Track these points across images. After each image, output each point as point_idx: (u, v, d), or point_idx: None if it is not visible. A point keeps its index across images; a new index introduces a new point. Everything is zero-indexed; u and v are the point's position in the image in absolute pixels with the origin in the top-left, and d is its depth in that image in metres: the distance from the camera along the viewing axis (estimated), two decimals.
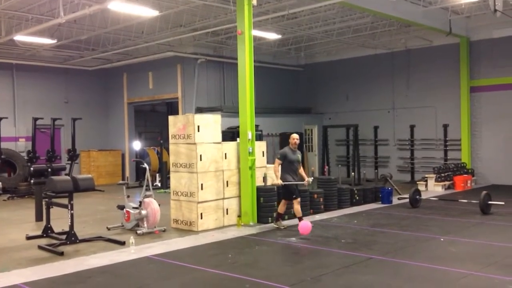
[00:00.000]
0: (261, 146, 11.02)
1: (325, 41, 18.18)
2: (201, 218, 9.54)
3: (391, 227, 9.52)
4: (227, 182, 10.08)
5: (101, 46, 17.21)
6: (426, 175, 15.82)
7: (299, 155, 9.52)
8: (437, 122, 17.74)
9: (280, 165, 9.31)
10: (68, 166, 16.59)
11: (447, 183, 15.49)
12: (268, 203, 10.16)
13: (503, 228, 9.30)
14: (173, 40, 16.52)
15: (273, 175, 9.68)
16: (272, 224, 9.79)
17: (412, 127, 18.33)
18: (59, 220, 9.29)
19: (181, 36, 15.86)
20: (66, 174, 15.33)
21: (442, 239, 8.36)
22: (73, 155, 17.51)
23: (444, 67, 17.56)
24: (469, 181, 15.87)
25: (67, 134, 18.96)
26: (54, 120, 17.23)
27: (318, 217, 10.50)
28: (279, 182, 9.25)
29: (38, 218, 10.79)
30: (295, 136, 9.52)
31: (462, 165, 16.58)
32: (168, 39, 16.13)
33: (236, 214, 10.15)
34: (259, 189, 10.21)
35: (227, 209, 10.04)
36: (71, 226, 8.44)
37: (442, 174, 15.55)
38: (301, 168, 9.60)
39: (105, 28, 14.61)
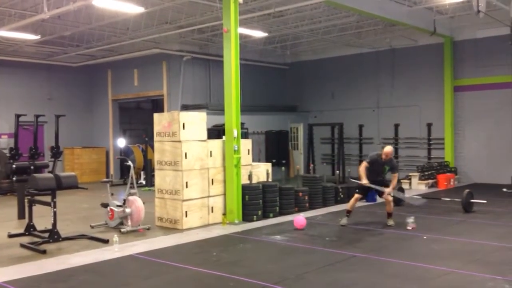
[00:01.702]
0: (246, 144, 11.02)
1: (311, 40, 18.23)
2: (186, 216, 9.51)
3: (375, 225, 9.60)
4: (212, 180, 10.06)
5: (85, 42, 17.04)
6: (410, 174, 15.98)
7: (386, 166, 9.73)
8: (421, 121, 17.91)
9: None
10: (51, 164, 16.39)
11: (430, 181, 15.66)
12: (253, 201, 10.17)
13: (485, 226, 9.43)
14: (158, 37, 16.42)
15: None
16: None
17: (396, 126, 18.49)
18: (42, 218, 9.19)
19: (167, 33, 15.76)
20: (49, 172, 15.14)
21: (425, 237, 8.45)
22: (56, 152, 17.31)
23: (428, 66, 17.73)
24: (452, 180, 16.05)
25: (50, 131, 18.73)
26: (37, 116, 17.00)
27: (303, 215, 10.52)
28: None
29: (21, 216, 10.67)
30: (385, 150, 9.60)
31: (445, 163, 16.77)
32: (154, 36, 16.03)
33: (221, 212, 10.14)
34: (244, 187, 10.21)
35: (212, 207, 10.03)
36: (54, 224, 8.36)
37: (426, 173, 15.71)
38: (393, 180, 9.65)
39: (90, 24, 14.46)
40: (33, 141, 16.82)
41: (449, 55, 16.99)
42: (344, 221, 9.63)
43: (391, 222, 9.55)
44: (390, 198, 9.56)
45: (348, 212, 9.74)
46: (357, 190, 9.83)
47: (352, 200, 9.78)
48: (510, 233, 8.76)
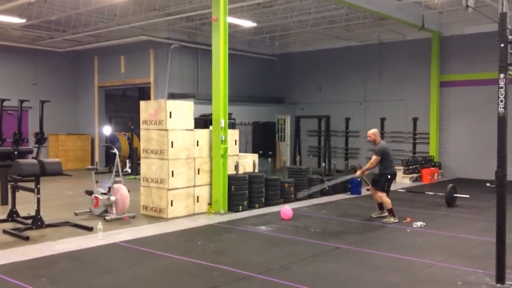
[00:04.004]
0: (233, 135, 11.00)
1: (300, 31, 18.20)
2: (171, 205, 9.49)
3: (359, 218, 9.67)
4: (198, 169, 10.04)
5: (72, 28, 16.79)
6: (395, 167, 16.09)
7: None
8: (407, 116, 18.04)
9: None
10: (35, 150, 16.20)
11: (414, 175, 15.81)
12: (239, 191, 10.17)
13: (467, 220, 9.56)
14: (146, 24, 16.25)
15: None
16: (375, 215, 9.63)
17: (382, 120, 18.59)
18: (25, 205, 9.10)
19: (155, 20, 15.61)
20: (33, 158, 14.97)
21: (408, 230, 8.54)
22: (40, 139, 17.06)
23: (415, 61, 17.83)
24: (436, 174, 16.23)
25: (35, 117, 18.48)
26: (21, 102, 16.72)
27: (288, 206, 10.56)
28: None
29: (4, 202, 10.56)
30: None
31: (430, 158, 16.94)
32: (142, 22, 15.86)
33: (207, 202, 10.13)
34: (230, 178, 10.20)
35: (197, 197, 10.02)
36: (37, 211, 8.28)
37: (410, 167, 15.86)
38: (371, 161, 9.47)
39: (77, 9, 14.24)
40: (17, 126, 16.57)
41: (437, 51, 17.10)
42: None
43: (379, 214, 9.59)
44: (380, 194, 9.32)
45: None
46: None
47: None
48: (491, 228, 8.79)
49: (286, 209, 9.57)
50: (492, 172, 5.70)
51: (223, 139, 10.05)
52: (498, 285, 5.46)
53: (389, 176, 9.33)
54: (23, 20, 15.05)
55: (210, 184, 10.22)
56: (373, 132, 9.57)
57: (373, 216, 9.65)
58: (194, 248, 7.26)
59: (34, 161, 8.68)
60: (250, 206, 10.39)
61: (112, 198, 9.23)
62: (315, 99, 20.38)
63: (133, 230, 8.41)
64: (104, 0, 13.44)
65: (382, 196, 9.29)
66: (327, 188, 12.14)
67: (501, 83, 5.40)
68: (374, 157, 9.26)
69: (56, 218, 9.11)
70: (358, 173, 9.74)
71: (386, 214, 9.36)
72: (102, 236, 7.84)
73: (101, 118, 20.08)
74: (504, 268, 5.49)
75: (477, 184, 14.04)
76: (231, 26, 15.13)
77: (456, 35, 16.92)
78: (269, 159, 13.82)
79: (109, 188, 9.33)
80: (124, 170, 16.82)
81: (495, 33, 5.50)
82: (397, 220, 9.17)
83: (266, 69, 21.41)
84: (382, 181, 9.32)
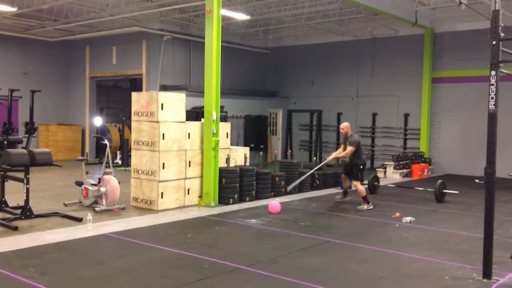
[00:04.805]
0: (225, 128, 10.99)
1: (294, 25, 18.17)
2: (162, 197, 9.47)
3: (349, 212, 9.72)
4: (189, 162, 10.02)
5: (63, 17, 16.64)
6: (385, 163, 16.19)
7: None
8: (399, 111, 18.11)
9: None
10: (25, 140, 16.10)
11: (405, 171, 15.90)
12: (230, 184, 10.17)
13: (456, 216, 9.64)
14: (139, 15, 16.14)
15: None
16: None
17: (374, 115, 18.66)
18: (14, 194, 9.02)
19: (148, 11, 15.51)
20: (23, 148, 14.88)
21: (397, 225, 8.60)
22: (30, 128, 16.98)
23: (408, 57, 17.88)
24: (426, 170, 16.32)
25: (25, 107, 18.35)
26: (12, 91, 16.61)
27: (279, 199, 10.59)
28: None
29: None
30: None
31: (420, 154, 17.04)
32: (134, 13, 15.75)
33: (198, 195, 10.12)
34: (221, 170, 10.19)
35: (188, 189, 10.01)
36: (27, 201, 8.23)
37: (401, 162, 15.94)
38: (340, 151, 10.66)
39: None
40: (7, 116, 16.46)
41: (429, 47, 17.15)
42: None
43: (342, 199, 10.59)
44: (355, 183, 10.18)
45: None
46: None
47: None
48: (479, 223, 8.89)
49: (274, 203, 9.59)
50: (481, 168, 5.74)
51: (214, 132, 10.02)
52: (485, 280, 5.53)
53: (361, 167, 10.23)
54: (14, 9, 14.90)
55: (201, 177, 10.20)
56: (346, 125, 10.36)
57: (337, 200, 10.63)
58: (184, 240, 7.26)
59: (24, 151, 8.62)
60: (241, 199, 10.40)
61: (102, 189, 9.19)
62: (307, 93, 20.39)
63: (122, 221, 8.39)
64: None
65: (357, 185, 10.08)
66: (318, 181, 12.22)
67: (492, 80, 5.43)
68: (350, 148, 10.09)
69: (45, 208, 9.06)
70: (331, 157, 10.66)
71: (348, 199, 10.58)
72: (92, 227, 7.82)
73: (92, 109, 19.97)
74: (491, 264, 5.55)
75: (467, 180, 14.15)
76: (224, 18, 15.07)
77: (448, 32, 16.98)
78: (261, 153, 13.83)
79: (99, 179, 9.29)
80: (115, 162, 16.76)
81: (487, 30, 5.53)
82: (371, 207, 9.94)
83: (259, 62, 21.37)
84: (355, 170, 10.21)
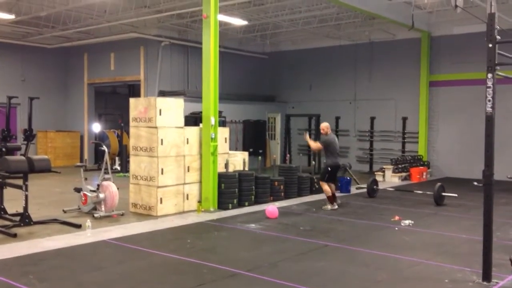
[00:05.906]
0: (224, 133, 11.00)
1: (291, 30, 18.22)
2: (161, 203, 9.47)
3: (348, 216, 9.72)
4: (188, 167, 10.02)
5: (61, 24, 16.66)
6: (384, 166, 16.20)
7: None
8: (397, 115, 18.14)
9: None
10: (23, 146, 16.10)
11: (403, 174, 15.91)
12: (229, 189, 10.17)
13: (455, 219, 9.64)
14: (136, 21, 16.18)
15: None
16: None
17: (372, 119, 18.68)
18: (13, 202, 9.02)
19: (145, 18, 15.54)
20: (21, 155, 14.87)
21: (396, 228, 8.60)
22: (29, 135, 16.99)
23: (405, 61, 17.93)
24: (424, 173, 16.34)
25: (23, 113, 18.36)
26: (10, 98, 16.63)
27: (278, 204, 10.60)
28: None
29: None
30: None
31: (419, 157, 17.05)
32: (132, 19, 15.79)
33: (197, 200, 10.12)
34: (220, 175, 10.19)
35: (187, 195, 10.00)
36: (25, 208, 8.22)
37: (399, 166, 15.95)
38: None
39: (66, 5, 14.16)
40: (6, 123, 16.47)
41: (426, 50, 17.21)
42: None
43: (324, 206, 10.49)
44: (320, 182, 10.60)
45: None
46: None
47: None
48: (478, 226, 8.88)
49: (272, 208, 9.52)
50: (479, 171, 5.76)
51: (213, 137, 10.03)
52: (485, 283, 5.53)
53: (329, 168, 10.47)
54: (12, 16, 14.91)
55: (200, 182, 10.20)
56: (326, 125, 10.79)
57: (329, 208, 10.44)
58: (183, 246, 7.25)
59: (22, 157, 8.61)
60: (240, 204, 10.40)
61: (101, 195, 9.18)
62: (305, 97, 20.42)
63: (121, 227, 8.39)
64: None
65: (322, 185, 10.47)
66: (316, 185, 12.22)
67: (489, 83, 5.46)
68: (317, 144, 10.84)
69: (44, 215, 9.05)
70: (308, 139, 11.26)
71: (333, 205, 10.41)
72: (91, 234, 7.81)
73: (90, 115, 19.97)
74: (490, 266, 5.55)
75: (465, 183, 14.17)
76: (221, 24, 15.11)
77: (445, 35, 17.04)
78: (259, 157, 13.81)
79: (98, 185, 9.29)
80: (114, 168, 16.75)
81: (484, 34, 5.56)
82: (335, 207, 10.28)
83: (257, 67, 21.41)
84: (322, 170, 10.81)
